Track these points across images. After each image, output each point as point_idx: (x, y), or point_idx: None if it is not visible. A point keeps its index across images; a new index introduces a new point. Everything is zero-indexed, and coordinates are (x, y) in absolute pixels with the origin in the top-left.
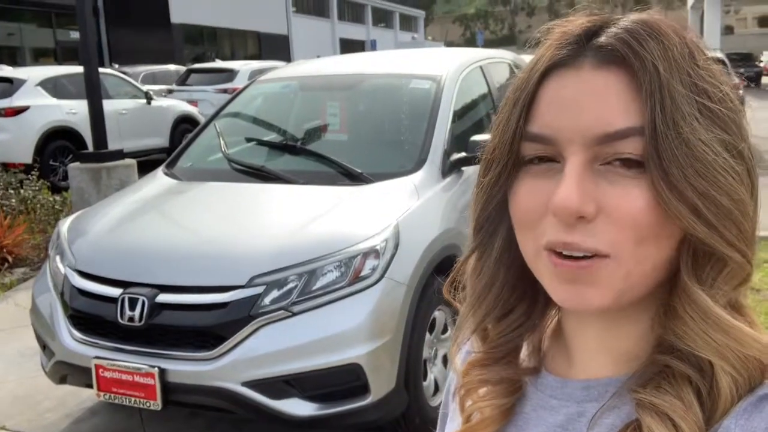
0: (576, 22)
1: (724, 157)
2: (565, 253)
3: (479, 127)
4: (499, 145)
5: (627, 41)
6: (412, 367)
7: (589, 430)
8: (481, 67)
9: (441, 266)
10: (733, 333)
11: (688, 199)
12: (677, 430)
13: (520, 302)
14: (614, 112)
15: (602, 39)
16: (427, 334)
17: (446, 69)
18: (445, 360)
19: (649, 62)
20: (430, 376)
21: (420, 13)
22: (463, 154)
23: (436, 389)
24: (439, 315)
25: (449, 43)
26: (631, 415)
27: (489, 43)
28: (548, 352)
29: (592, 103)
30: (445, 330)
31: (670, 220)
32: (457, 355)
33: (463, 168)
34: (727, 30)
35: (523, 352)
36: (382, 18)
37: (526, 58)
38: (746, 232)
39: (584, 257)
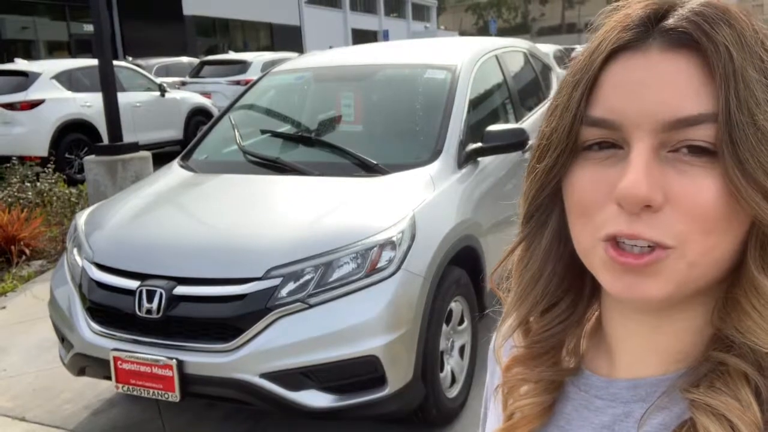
0: (639, 4)
1: None
2: (626, 243)
3: (495, 117)
4: (557, 130)
5: (699, 24)
6: (429, 359)
7: (638, 430)
8: (496, 56)
9: (457, 257)
10: None
11: (763, 188)
12: (734, 431)
13: (566, 295)
14: (685, 97)
15: (671, 21)
16: (444, 326)
17: (461, 58)
18: (461, 351)
19: (722, 46)
20: (447, 368)
21: (432, 3)
22: (479, 144)
23: (453, 381)
24: (455, 306)
25: (462, 33)
26: (681, 415)
27: (502, 32)
28: (587, 351)
29: (662, 87)
30: (461, 321)
31: (740, 210)
32: (501, 348)
33: (479, 158)
34: None
35: (564, 350)
36: (395, 8)
37: (542, 47)
38: None
39: (647, 247)
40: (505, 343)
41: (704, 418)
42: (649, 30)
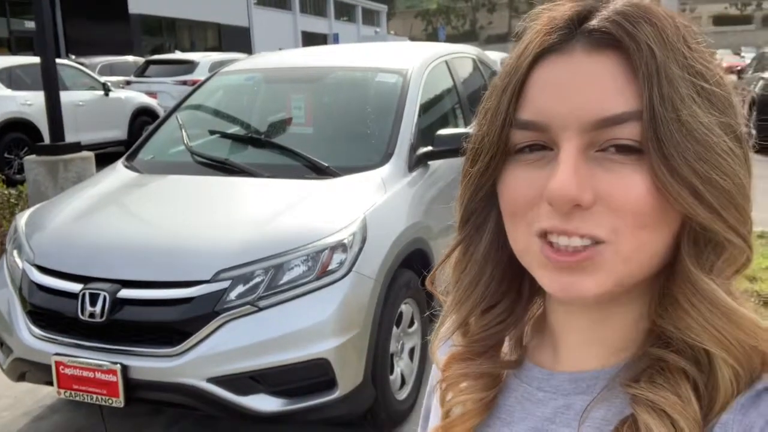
0: (564, 7)
1: (725, 140)
2: (561, 243)
3: (445, 122)
4: (488, 134)
5: (620, 24)
6: (379, 362)
7: (580, 424)
8: (446, 62)
9: (408, 260)
10: (740, 322)
11: (690, 184)
12: (675, 426)
13: (505, 296)
14: (610, 97)
15: (594, 22)
16: (394, 328)
17: (412, 63)
18: (411, 354)
19: (644, 44)
20: (397, 370)
21: (382, 8)
22: (430, 148)
23: (403, 383)
24: (405, 309)
25: (412, 38)
26: (622, 409)
27: (450, 39)
28: (531, 344)
29: (587, 87)
30: (411, 324)
31: (669, 205)
32: (438, 349)
33: (430, 162)
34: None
35: (505, 347)
36: (345, 12)
37: (490, 54)
38: (746, 216)
39: (581, 247)
40: (442, 344)
41: (645, 414)
42: (572, 32)
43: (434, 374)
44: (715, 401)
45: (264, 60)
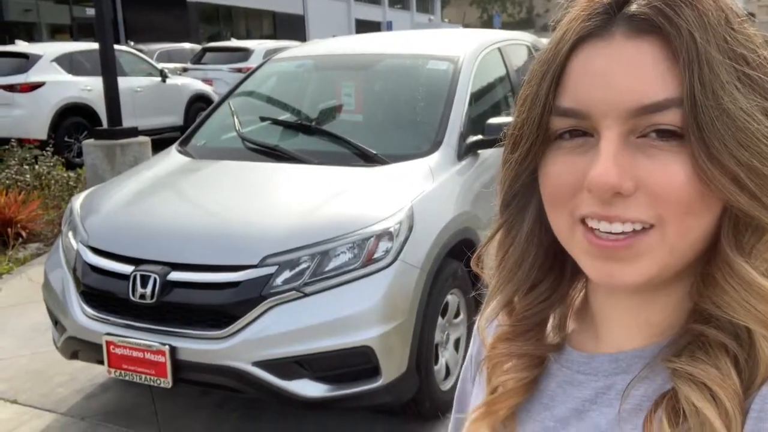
0: None
1: (766, 125)
2: (602, 229)
3: (496, 110)
4: (528, 121)
5: (660, 9)
6: (423, 351)
7: (622, 402)
8: (499, 49)
9: (455, 250)
10: None
11: (730, 171)
12: (715, 399)
13: (548, 276)
14: (650, 83)
15: (633, 7)
16: (440, 318)
17: (464, 50)
18: (456, 344)
19: (685, 30)
20: (441, 360)
21: None
22: (480, 136)
23: (447, 373)
24: (451, 299)
25: (466, 26)
26: (663, 386)
27: (506, 26)
28: (573, 330)
29: (627, 74)
30: (457, 314)
31: (711, 192)
32: (485, 329)
33: (480, 151)
34: (749, 17)
35: (548, 327)
36: None
37: (545, 41)
38: None
39: (623, 233)
40: (489, 324)
41: (685, 387)
42: (612, 17)
43: (471, 356)
44: (755, 375)
45: (315, 47)
